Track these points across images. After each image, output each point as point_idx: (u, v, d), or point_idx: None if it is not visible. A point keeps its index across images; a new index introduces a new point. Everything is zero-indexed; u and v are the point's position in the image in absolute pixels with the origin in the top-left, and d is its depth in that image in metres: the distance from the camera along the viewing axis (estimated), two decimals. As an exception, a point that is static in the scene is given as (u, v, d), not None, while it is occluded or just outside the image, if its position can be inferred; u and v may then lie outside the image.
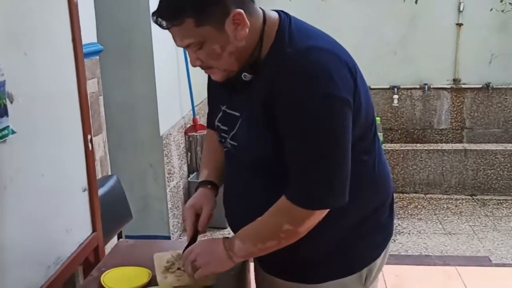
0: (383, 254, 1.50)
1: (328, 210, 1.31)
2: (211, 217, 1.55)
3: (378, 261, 1.49)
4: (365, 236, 1.45)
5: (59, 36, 1.67)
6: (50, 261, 1.57)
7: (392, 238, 1.56)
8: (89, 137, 1.79)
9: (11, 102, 1.37)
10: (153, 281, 1.60)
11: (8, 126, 1.35)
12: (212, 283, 1.54)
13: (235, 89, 1.38)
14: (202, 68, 1.36)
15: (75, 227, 1.73)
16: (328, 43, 1.32)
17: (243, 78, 1.33)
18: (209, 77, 1.53)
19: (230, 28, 1.25)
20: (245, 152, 1.39)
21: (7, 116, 1.35)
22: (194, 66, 1.35)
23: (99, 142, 2.52)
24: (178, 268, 1.57)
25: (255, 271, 1.66)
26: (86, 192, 1.80)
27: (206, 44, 1.27)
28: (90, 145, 1.79)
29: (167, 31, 1.29)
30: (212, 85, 1.54)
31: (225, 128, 1.44)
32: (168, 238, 3.60)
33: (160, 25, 1.26)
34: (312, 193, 1.30)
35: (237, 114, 1.39)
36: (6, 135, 1.34)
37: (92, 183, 1.82)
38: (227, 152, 1.49)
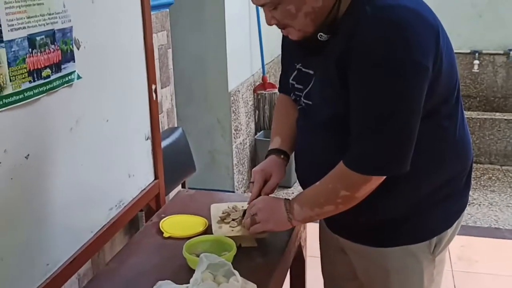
0: (455, 224, 1.45)
1: (384, 177, 1.28)
2: (276, 187, 1.56)
3: (449, 231, 1.44)
4: (439, 204, 1.40)
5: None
6: (112, 203, 1.64)
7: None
8: (153, 87, 1.82)
9: (78, 48, 1.41)
10: (209, 230, 1.64)
11: (75, 71, 1.40)
12: (264, 236, 1.56)
13: (310, 48, 1.36)
14: (278, 26, 1.35)
15: (137, 173, 1.79)
16: (412, 1, 1.25)
17: (319, 38, 1.30)
18: (283, 36, 1.52)
19: None
20: (319, 111, 1.37)
21: (74, 61, 1.39)
22: (269, 25, 1.34)
23: (167, 95, 2.57)
24: (233, 219, 1.60)
25: (320, 228, 1.67)
26: (149, 141, 1.85)
27: (281, 5, 1.26)
28: (154, 95, 1.83)
29: None
30: (286, 44, 1.53)
31: (300, 86, 1.43)
32: (232, 193, 3.67)
33: None
34: (369, 158, 1.27)
35: (311, 72, 1.38)
36: (72, 80, 1.39)
37: (155, 132, 1.86)
38: (301, 109, 1.47)
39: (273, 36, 4.47)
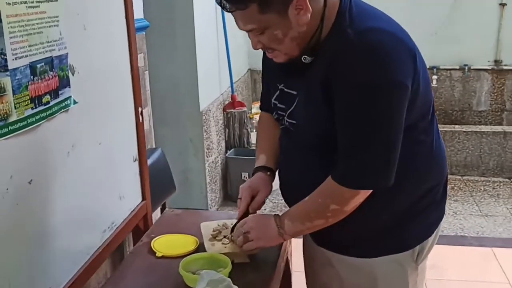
0: (435, 233, 1.53)
1: (372, 190, 1.34)
2: (263, 203, 1.60)
3: (430, 239, 1.51)
4: (420, 214, 1.47)
5: (114, 13, 1.74)
6: (105, 226, 1.66)
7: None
8: (139, 109, 1.86)
9: (73, 74, 1.44)
10: (200, 248, 1.67)
11: (70, 97, 1.43)
12: (256, 252, 1.61)
13: (293, 70, 1.39)
14: (264, 50, 1.39)
15: (127, 195, 1.81)
16: (390, 25, 1.33)
17: (303, 60, 1.35)
18: (264, 56, 1.55)
19: (293, 14, 1.26)
20: (304, 130, 1.41)
21: (70, 87, 1.42)
22: (255, 49, 1.37)
23: (145, 116, 2.59)
24: (225, 237, 1.65)
25: (304, 242, 1.72)
26: (137, 162, 1.88)
27: (268, 30, 1.28)
28: (140, 117, 1.86)
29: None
30: (268, 64, 1.55)
31: (283, 106, 1.46)
32: (216, 210, 3.70)
33: (223, 7, 1.28)
34: (357, 174, 1.33)
35: (295, 93, 1.41)
36: (69, 105, 1.42)
37: (142, 153, 1.90)
38: (284, 129, 1.51)
39: (239, 56, 4.57)
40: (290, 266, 1.96)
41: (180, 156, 3.64)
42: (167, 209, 2.10)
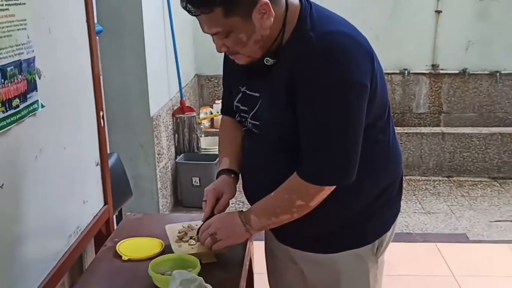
0: (392, 227, 1.60)
1: (335, 186, 1.40)
2: (228, 205, 1.63)
3: (388, 233, 1.59)
4: (378, 210, 1.54)
5: (76, 17, 1.73)
6: (71, 230, 1.65)
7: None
8: (101, 113, 1.85)
9: (39, 78, 1.43)
10: (166, 250, 1.68)
11: (38, 100, 1.41)
12: (223, 251, 1.64)
13: (255, 72, 1.43)
14: (228, 53, 1.42)
15: (90, 199, 1.80)
16: (348, 28, 1.40)
17: (266, 63, 1.39)
18: (225, 59, 1.59)
19: (257, 18, 1.30)
20: (267, 131, 1.46)
21: (37, 91, 1.41)
22: (219, 51, 1.40)
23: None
24: (191, 238, 1.66)
25: (266, 240, 1.75)
26: (99, 167, 1.87)
27: (233, 33, 1.32)
28: (102, 121, 1.86)
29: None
30: (228, 67, 1.58)
31: (245, 108, 1.50)
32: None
33: (189, 11, 1.30)
34: (321, 170, 1.39)
35: (257, 95, 1.45)
36: (37, 109, 1.41)
37: (104, 157, 1.89)
38: (247, 130, 1.55)
39: (186, 62, 4.58)
40: (253, 266, 2.00)
41: (131, 162, 3.59)
42: (128, 213, 2.10)
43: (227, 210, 1.63)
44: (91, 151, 1.83)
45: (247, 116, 1.50)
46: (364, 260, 1.55)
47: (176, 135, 4.13)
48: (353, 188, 1.42)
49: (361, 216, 1.52)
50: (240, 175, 1.66)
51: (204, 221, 1.59)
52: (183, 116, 4.12)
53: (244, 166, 1.63)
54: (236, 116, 1.57)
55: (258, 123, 1.47)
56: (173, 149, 4.10)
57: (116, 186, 2.38)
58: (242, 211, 1.53)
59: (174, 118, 4.09)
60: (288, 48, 1.38)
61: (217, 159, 3.97)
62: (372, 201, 1.52)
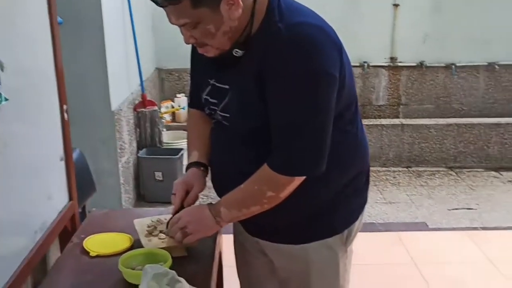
0: (360, 217, 1.63)
1: (305, 177, 1.41)
2: (197, 198, 1.62)
3: (357, 223, 1.61)
4: (346, 200, 1.56)
5: (38, 8, 1.68)
6: (36, 226, 1.60)
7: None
8: (64, 107, 1.81)
9: (2, 70, 1.38)
10: (135, 245, 1.65)
11: (1, 94, 1.37)
12: (193, 245, 1.63)
13: (224, 64, 1.42)
14: (196, 45, 1.41)
15: (55, 195, 1.76)
16: (317, 20, 1.40)
17: (235, 54, 1.38)
18: (192, 52, 1.57)
19: (225, 9, 1.30)
20: (237, 123, 1.45)
21: (0, 83, 1.36)
22: (187, 43, 1.39)
23: (62, 115, 2.51)
24: (161, 231, 1.64)
25: (234, 232, 1.75)
26: (63, 162, 1.83)
27: (201, 25, 1.31)
28: (66, 115, 1.81)
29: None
30: (197, 60, 1.56)
31: (215, 101, 1.49)
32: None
33: (155, 2, 1.29)
34: (292, 162, 1.39)
35: (227, 87, 1.44)
36: (0, 102, 1.36)
37: (68, 152, 1.85)
38: (216, 123, 1.53)
39: (147, 55, 4.52)
40: (222, 259, 2.00)
41: (92, 157, 3.52)
42: (94, 209, 2.06)
43: (196, 203, 1.62)
44: (55, 146, 1.78)
45: (216, 108, 1.49)
46: (334, 250, 1.57)
47: (138, 130, 4.07)
48: (322, 178, 1.43)
49: (330, 206, 1.54)
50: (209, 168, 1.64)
51: (174, 215, 1.58)
52: (144, 110, 4.07)
53: (213, 159, 1.62)
54: (205, 109, 1.55)
55: (228, 115, 1.47)
56: (134, 144, 4.04)
57: (80, 181, 2.34)
58: (212, 203, 1.52)
59: (135, 112, 4.04)
60: (257, 39, 1.37)
61: (180, 153, 3.95)
62: (340, 191, 1.53)
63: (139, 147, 4.10)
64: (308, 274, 1.58)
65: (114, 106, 3.53)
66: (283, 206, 1.45)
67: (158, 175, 3.93)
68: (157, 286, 1.38)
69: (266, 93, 1.36)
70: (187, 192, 1.59)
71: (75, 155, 2.40)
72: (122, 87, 3.80)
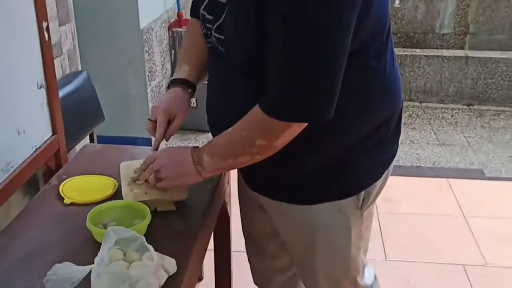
0: (384, 175, 1.34)
1: (306, 124, 1.12)
2: (181, 125, 1.40)
3: (378, 183, 1.33)
4: (366, 154, 1.27)
5: None
6: (-1, 165, 1.38)
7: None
8: (44, 24, 1.53)
9: None
10: (118, 193, 1.44)
11: None
12: (183, 198, 1.38)
13: None
14: None
15: (29, 129, 1.52)
16: None
17: None
18: None
19: None
20: (233, 47, 1.19)
21: None
22: None
23: (66, 33, 2.25)
24: (146, 180, 1.39)
25: (238, 185, 1.51)
26: (43, 90, 1.57)
27: None
28: (46, 34, 1.53)
29: None
30: None
31: (210, 17, 1.25)
32: (149, 140, 3.43)
33: None
34: (288, 102, 1.10)
35: (224, 1, 1.20)
36: None
37: (50, 79, 1.59)
38: (211, 48, 1.28)
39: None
40: (229, 209, 1.75)
41: (118, 80, 3.31)
42: (86, 144, 1.83)
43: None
44: (31, 71, 1.52)
45: (211, 27, 1.24)
46: (345, 214, 1.31)
47: (173, 51, 3.80)
48: (335, 125, 1.14)
49: (343, 162, 1.25)
50: (196, 90, 1.42)
51: (156, 150, 1.38)
52: (180, 30, 3.79)
53: (209, 92, 1.35)
54: (202, 27, 1.31)
55: (223, 37, 1.21)
56: (168, 66, 3.79)
57: (82, 109, 2.12)
58: (196, 147, 1.29)
59: (170, 32, 3.76)
60: None
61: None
62: (360, 142, 1.24)
63: (173, 70, 3.84)
64: (312, 241, 1.35)
65: (143, 24, 3.26)
66: (285, 156, 1.18)
67: (193, 101, 3.67)
68: (121, 253, 1.15)
69: (266, 14, 1.07)
70: (169, 122, 1.37)
71: (80, 79, 2.18)
72: (155, 3, 3.51)
